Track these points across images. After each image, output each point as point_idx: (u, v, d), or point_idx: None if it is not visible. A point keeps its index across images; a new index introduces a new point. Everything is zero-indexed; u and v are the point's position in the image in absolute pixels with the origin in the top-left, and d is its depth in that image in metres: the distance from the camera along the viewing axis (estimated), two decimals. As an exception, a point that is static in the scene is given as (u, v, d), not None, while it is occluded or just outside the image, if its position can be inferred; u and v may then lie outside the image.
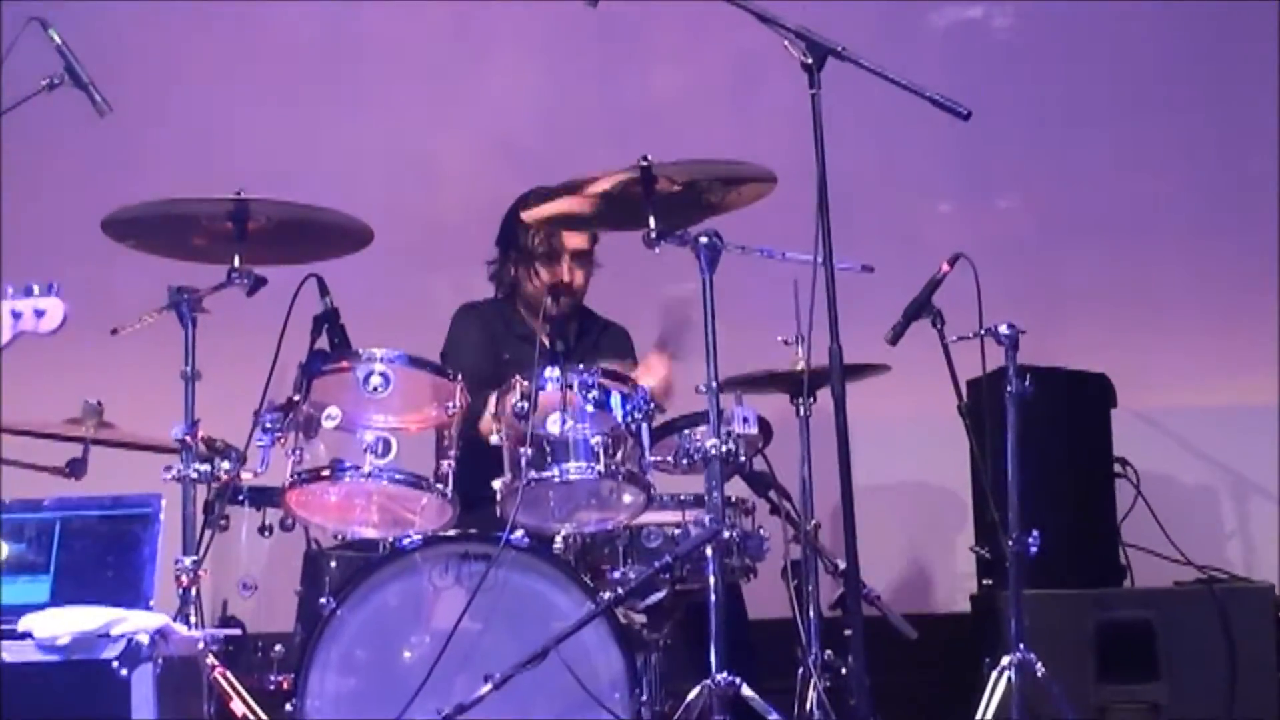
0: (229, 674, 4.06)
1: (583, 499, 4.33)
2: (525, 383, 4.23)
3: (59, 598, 3.98)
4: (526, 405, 4.19)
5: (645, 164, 4.17)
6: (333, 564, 4.37)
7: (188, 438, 4.21)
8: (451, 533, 4.30)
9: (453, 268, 6.02)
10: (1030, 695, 4.43)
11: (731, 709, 4.00)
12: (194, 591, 4.16)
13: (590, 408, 4.23)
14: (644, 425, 4.28)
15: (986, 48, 6.56)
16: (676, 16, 6.31)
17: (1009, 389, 4.50)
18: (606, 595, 4.14)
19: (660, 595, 4.39)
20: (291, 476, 4.22)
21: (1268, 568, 6.01)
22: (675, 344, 4.93)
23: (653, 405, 4.32)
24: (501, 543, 4.16)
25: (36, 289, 3.47)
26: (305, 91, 6.29)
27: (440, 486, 4.26)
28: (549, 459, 4.21)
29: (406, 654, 4.21)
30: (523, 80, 6.42)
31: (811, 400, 4.62)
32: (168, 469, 4.22)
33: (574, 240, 5.07)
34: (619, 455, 4.24)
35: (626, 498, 4.31)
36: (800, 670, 4.42)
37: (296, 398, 4.24)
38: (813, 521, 4.62)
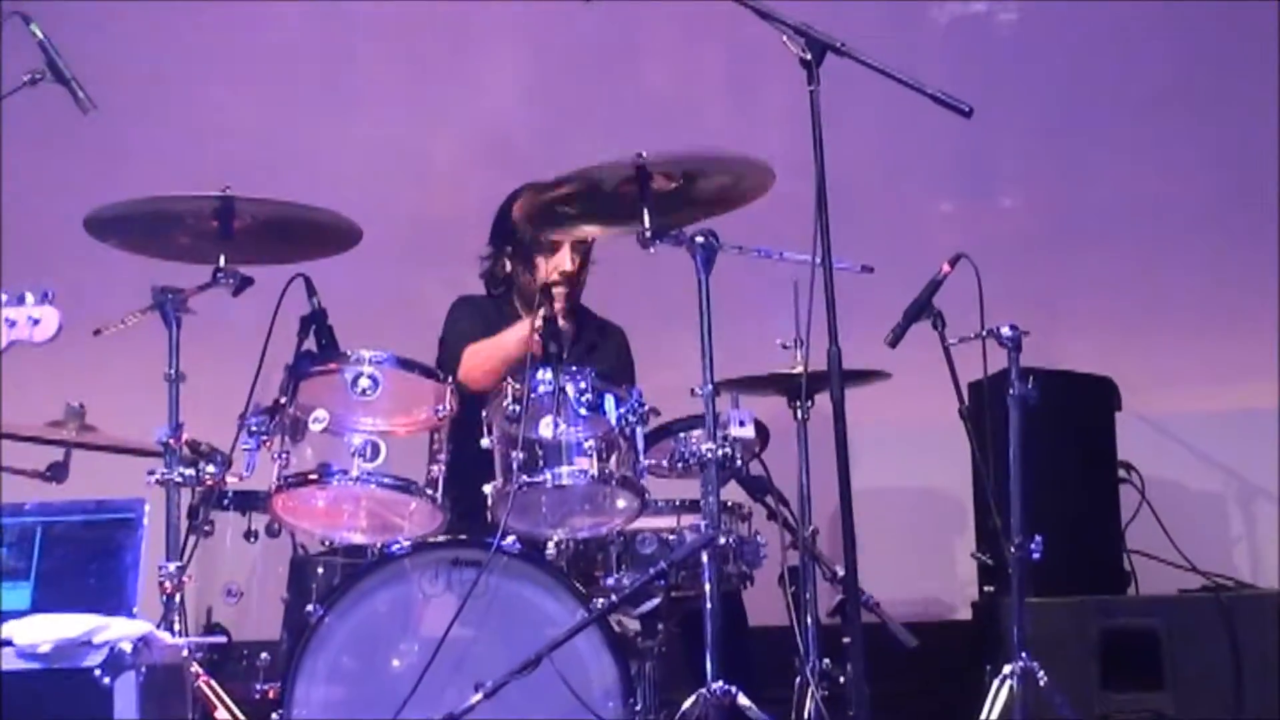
0: (214, 683, 4.05)
1: (576, 504, 4.32)
2: (517, 385, 4.21)
3: (40, 604, 3.98)
4: (518, 408, 4.17)
5: (640, 160, 4.14)
6: (320, 570, 4.36)
7: (172, 441, 4.18)
8: (441, 538, 4.28)
9: (443, 267, 5.99)
10: (1033, 705, 4.42)
11: (728, 718, 3.98)
12: (178, 598, 4.13)
13: (583, 410, 4.21)
14: (638, 428, 4.26)
15: (989, 44, 6.57)
16: (671, 11, 6.30)
17: (1011, 392, 4.50)
18: (600, 602, 4.14)
19: (655, 602, 4.37)
20: (278, 481, 4.21)
21: (1275, 575, 5.99)
22: None
23: (647, 408, 4.29)
24: (493, 548, 4.14)
25: (30, 297, 3.48)
26: (293, 88, 6.31)
27: (430, 491, 4.24)
28: (541, 463, 4.19)
29: (395, 662, 4.19)
30: (513, 77, 6.44)
31: (810, 403, 4.64)
32: (151, 473, 4.19)
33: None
34: (613, 459, 4.23)
35: (620, 502, 4.29)
36: (798, 679, 4.41)
37: (283, 400, 4.22)
38: (810, 527, 4.65)
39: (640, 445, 4.25)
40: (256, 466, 4.19)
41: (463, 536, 4.26)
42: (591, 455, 4.18)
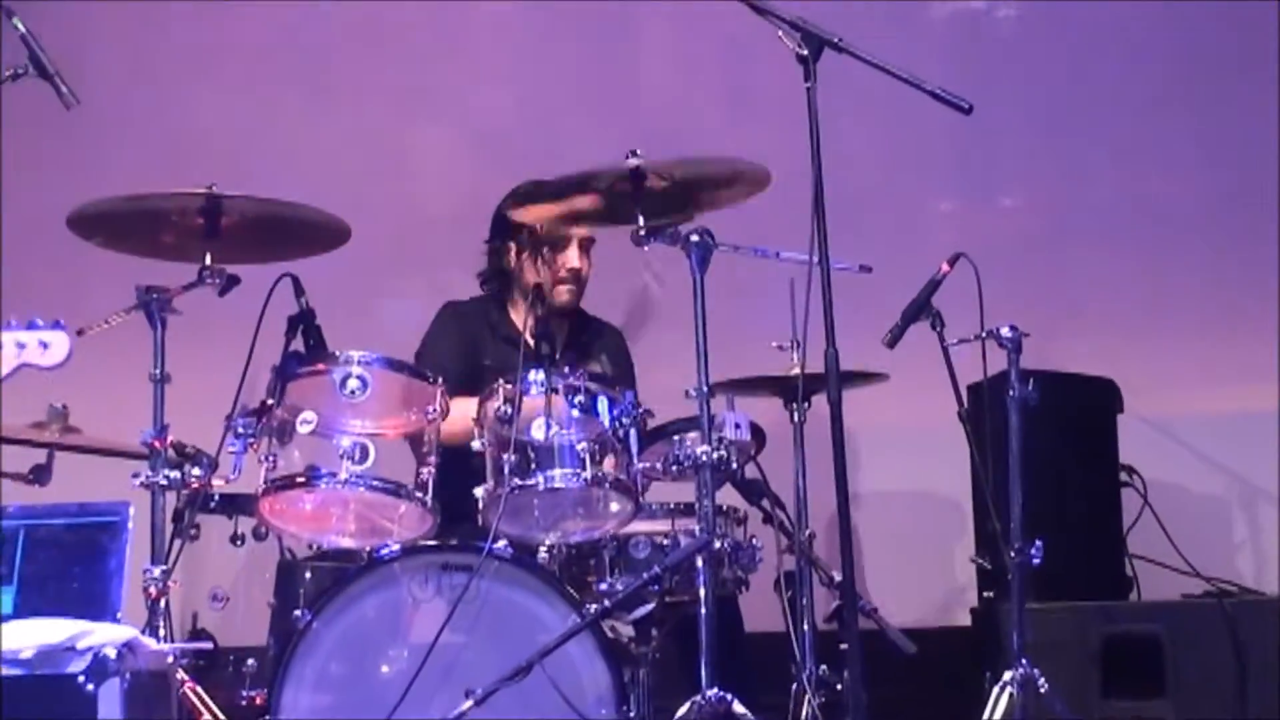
0: (199, 689, 4.03)
1: (568, 507, 4.30)
2: (509, 386, 4.19)
3: (23, 610, 4.00)
4: (510, 410, 4.14)
5: (635, 160, 4.14)
6: (307, 575, 4.32)
7: (157, 443, 4.18)
8: (431, 542, 4.26)
9: (432, 267, 6.03)
10: (1033, 712, 4.41)
11: (723, 726, 3.99)
12: (163, 603, 4.12)
13: (576, 412, 4.19)
14: (632, 431, 4.25)
15: (989, 40, 6.54)
16: (665, 5, 6.29)
17: (1011, 394, 4.49)
18: (593, 607, 4.10)
19: (649, 607, 4.34)
20: (265, 483, 4.18)
21: (1279, 580, 5.95)
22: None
23: (641, 410, 4.27)
24: (484, 553, 4.11)
25: (41, 322, 3.45)
26: (281, 86, 6.29)
27: (420, 494, 4.21)
28: (533, 466, 4.17)
29: (384, 669, 4.15)
30: (503, 75, 6.42)
31: (806, 405, 4.62)
32: (136, 475, 4.18)
33: (581, 228, 5.01)
34: (606, 462, 4.21)
35: (614, 506, 4.27)
36: (794, 686, 4.41)
37: (270, 401, 4.19)
38: (807, 531, 4.63)
39: (634, 448, 4.23)
40: (243, 469, 4.16)
41: (453, 540, 4.23)
42: (585, 458, 4.15)
